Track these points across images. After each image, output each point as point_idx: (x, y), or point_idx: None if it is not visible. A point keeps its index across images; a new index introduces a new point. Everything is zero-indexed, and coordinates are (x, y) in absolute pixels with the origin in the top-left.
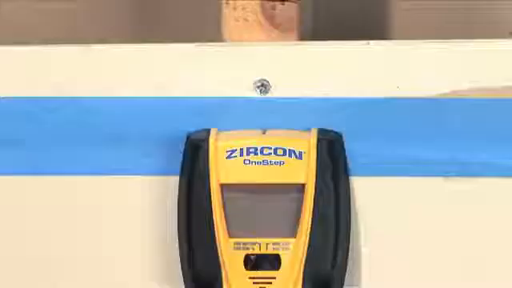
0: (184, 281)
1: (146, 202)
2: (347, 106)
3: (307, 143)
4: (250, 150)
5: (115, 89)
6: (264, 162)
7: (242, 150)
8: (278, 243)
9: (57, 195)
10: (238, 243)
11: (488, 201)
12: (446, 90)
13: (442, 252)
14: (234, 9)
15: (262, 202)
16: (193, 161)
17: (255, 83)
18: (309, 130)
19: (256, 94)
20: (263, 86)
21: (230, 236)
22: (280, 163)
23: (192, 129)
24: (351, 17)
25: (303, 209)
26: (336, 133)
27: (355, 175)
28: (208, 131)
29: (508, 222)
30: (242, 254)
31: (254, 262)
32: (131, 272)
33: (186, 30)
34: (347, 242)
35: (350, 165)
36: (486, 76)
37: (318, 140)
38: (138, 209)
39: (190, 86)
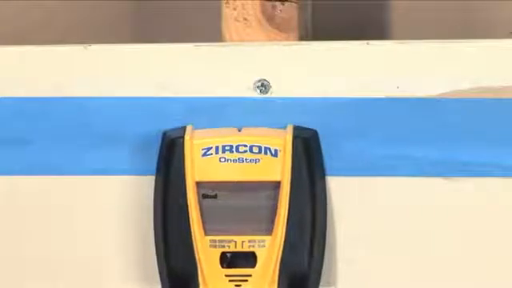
0: (160, 279)
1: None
2: (347, 105)
3: (282, 141)
4: (226, 148)
5: (115, 89)
6: (239, 160)
7: (217, 147)
8: (253, 241)
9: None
10: (214, 241)
11: (488, 201)
12: (446, 90)
13: (442, 252)
14: (234, 9)
15: (238, 200)
16: (168, 158)
17: (255, 83)
18: (285, 128)
19: (256, 94)
20: (263, 86)
21: (206, 234)
22: (255, 161)
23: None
24: (351, 17)
25: (279, 206)
26: (312, 130)
27: (355, 175)
28: (184, 129)
29: (508, 222)
30: (217, 252)
31: (230, 260)
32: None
33: (186, 30)
34: (323, 239)
35: (351, 165)
36: (486, 76)
37: (294, 138)
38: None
39: (189, 86)
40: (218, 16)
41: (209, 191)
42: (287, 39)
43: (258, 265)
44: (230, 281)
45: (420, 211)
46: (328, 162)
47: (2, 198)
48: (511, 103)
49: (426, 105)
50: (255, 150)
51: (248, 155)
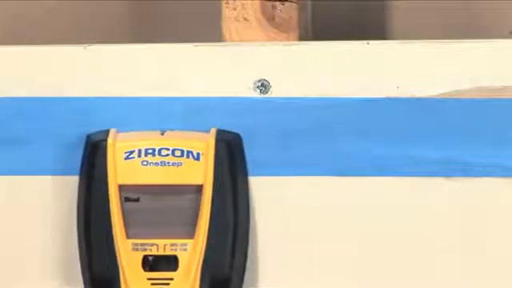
0: (83, 282)
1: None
2: (347, 105)
3: (205, 144)
4: (148, 151)
5: (115, 89)
6: (162, 163)
7: (140, 150)
8: (175, 244)
9: None
10: (136, 244)
11: (488, 201)
12: (446, 90)
13: (442, 252)
14: (234, 9)
15: (160, 203)
16: (91, 161)
17: (255, 83)
18: (208, 131)
19: (256, 94)
20: (263, 86)
21: (128, 237)
22: (178, 164)
23: (192, 128)
24: (351, 17)
25: (201, 210)
26: (235, 134)
27: (355, 175)
28: (107, 132)
29: (508, 222)
30: (140, 255)
31: (152, 263)
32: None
33: (185, 30)
34: (246, 242)
35: (351, 165)
36: (486, 76)
37: (216, 141)
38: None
39: (189, 86)
40: (218, 16)
41: (131, 194)
42: (287, 39)
43: (179, 268)
44: (152, 284)
45: (420, 211)
46: (328, 162)
47: (1, 197)
48: (511, 103)
49: (426, 105)
50: (177, 153)
51: (170, 158)
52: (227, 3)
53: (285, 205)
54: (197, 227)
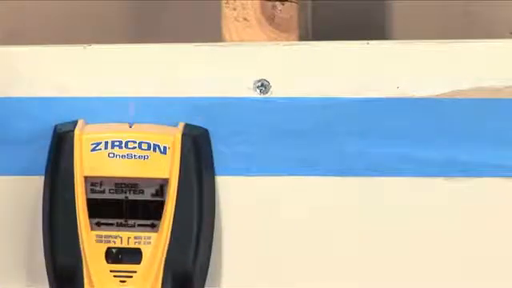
0: (47, 275)
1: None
2: (347, 105)
3: (172, 138)
4: (115, 143)
5: (115, 89)
6: (128, 156)
7: (106, 142)
8: (139, 237)
9: None
10: (100, 236)
11: (488, 201)
12: (446, 90)
13: (442, 252)
14: (234, 9)
15: (126, 196)
16: (58, 152)
17: (255, 83)
18: (176, 125)
19: (256, 94)
20: (263, 86)
21: (92, 229)
22: (144, 157)
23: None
24: (351, 17)
25: (166, 203)
26: (202, 129)
27: (355, 175)
28: (75, 123)
29: (508, 222)
30: (103, 247)
31: (116, 256)
32: None
33: (185, 30)
34: (209, 238)
35: (351, 165)
36: (486, 76)
37: (183, 135)
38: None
39: (189, 86)
40: (218, 16)
41: (97, 186)
42: (287, 39)
43: (143, 261)
44: (114, 276)
45: (420, 211)
46: (328, 162)
47: (2, 197)
48: (511, 103)
49: (426, 105)
50: (144, 146)
51: (137, 151)
52: (227, 3)
53: (284, 205)
54: (161, 221)
